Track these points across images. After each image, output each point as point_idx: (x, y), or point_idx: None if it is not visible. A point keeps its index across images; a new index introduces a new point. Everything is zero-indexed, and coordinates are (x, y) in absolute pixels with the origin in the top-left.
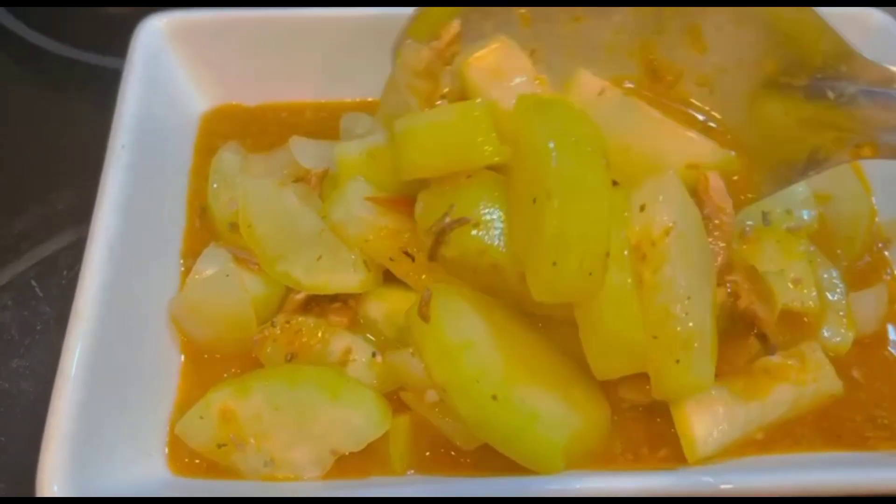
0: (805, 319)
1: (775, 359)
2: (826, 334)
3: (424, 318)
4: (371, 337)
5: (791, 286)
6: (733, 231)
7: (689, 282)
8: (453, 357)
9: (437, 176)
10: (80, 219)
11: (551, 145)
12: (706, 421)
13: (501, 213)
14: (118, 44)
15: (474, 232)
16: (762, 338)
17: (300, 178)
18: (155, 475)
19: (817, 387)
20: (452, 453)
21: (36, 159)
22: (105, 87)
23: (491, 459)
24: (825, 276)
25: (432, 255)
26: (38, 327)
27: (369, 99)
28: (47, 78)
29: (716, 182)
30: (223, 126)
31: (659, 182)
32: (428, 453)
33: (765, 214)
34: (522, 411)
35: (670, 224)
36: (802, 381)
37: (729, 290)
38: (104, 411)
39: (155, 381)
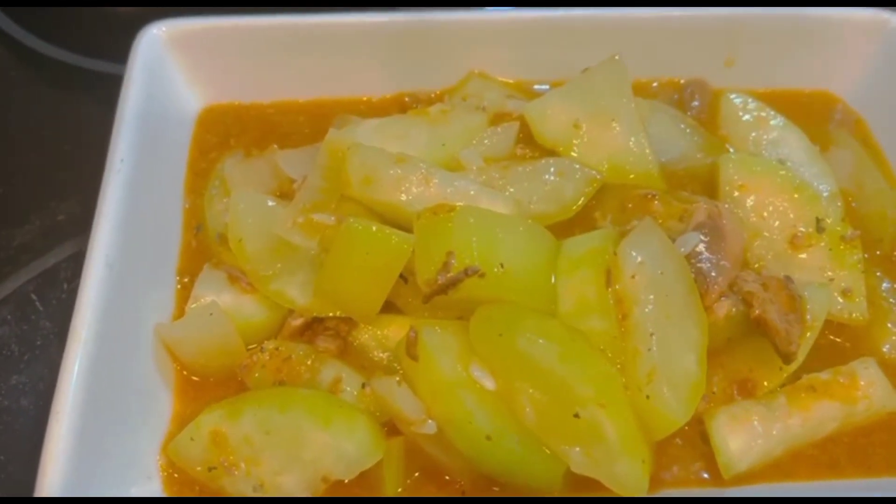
0: (858, 332)
1: (823, 375)
2: (885, 349)
3: (413, 357)
4: (363, 363)
5: (839, 297)
6: (740, 254)
7: (658, 320)
8: (444, 396)
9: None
10: (80, 230)
11: (554, 363)
12: (742, 436)
13: (497, 249)
14: (119, 49)
15: (482, 280)
16: (774, 346)
17: (284, 193)
18: (151, 497)
19: (869, 404)
20: (446, 477)
21: (37, 167)
22: (106, 92)
23: (484, 480)
24: (884, 286)
25: (428, 301)
26: (38, 342)
27: (363, 98)
28: (48, 84)
29: (727, 211)
30: (220, 134)
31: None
32: (417, 474)
33: (819, 221)
34: (517, 451)
35: (639, 262)
36: (852, 398)
37: (733, 304)
38: (102, 433)
39: (153, 401)
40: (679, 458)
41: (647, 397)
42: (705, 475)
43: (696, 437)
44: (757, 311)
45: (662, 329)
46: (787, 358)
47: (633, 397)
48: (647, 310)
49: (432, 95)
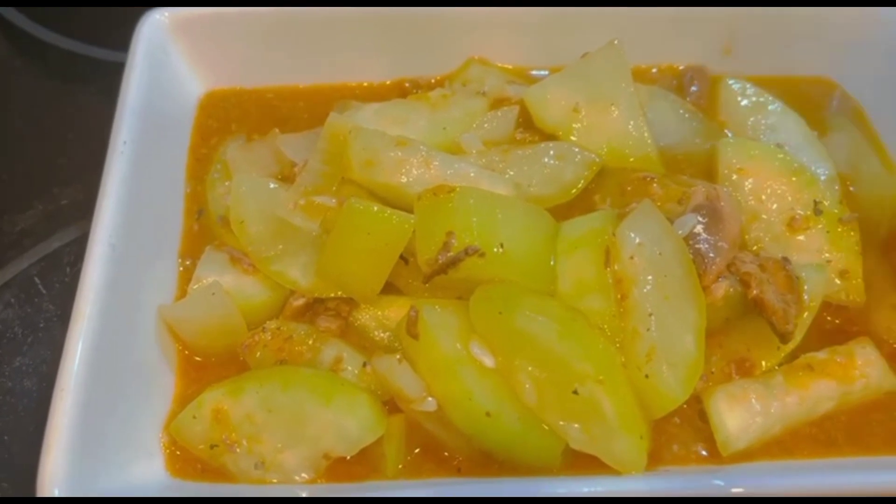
0: (856, 314)
1: (821, 355)
2: (882, 330)
3: (413, 335)
4: (363, 343)
5: (837, 278)
6: (738, 235)
7: (656, 300)
8: (444, 374)
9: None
10: (83, 214)
11: (554, 341)
12: (740, 415)
13: (497, 230)
14: (121, 37)
15: (482, 260)
16: (771, 326)
17: (286, 176)
18: (154, 476)
19: (866, 383)
20: (445, 453)
21: (39, 154)
22: (107, 80)
23: (482, 457)
24: (881, 269)
25: (428, 281)
26: (41, 325)
27: (364, 83)
28: (51, 71)
29: (724, 193)
30: (221, 119)
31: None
32: (418, 450)
33: (816, 203)
34: (516, 428)
35: (637, 243)
36: (849, 377)
37: (731, 285)
38: (105, 412)
39: (155, 381)
40: (678, 436)
41: (646, 376)
42: (704, 453)
43: (695, 415)
44: (754, 292)
45: (661, 309)
46: (783, 337)
47: (632, 376)
48: (645, 290)
49: (432, 81)
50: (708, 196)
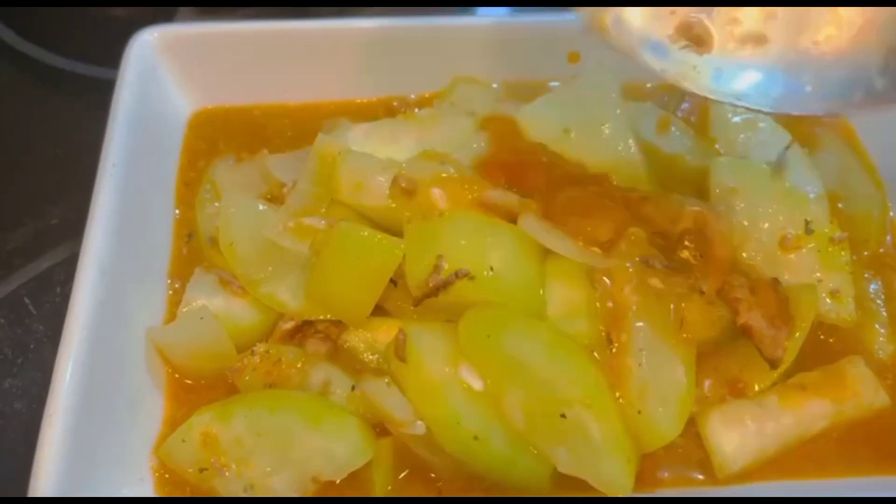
0: (849, 333)
1: (813, 374)
2: (874, 348)
3: (401, 359)
4: (353, 365)
5: (828, 298)
6: (727, 260)
7: (649, 337)
8: (432, 397)
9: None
10: (73, 233)
11: (542, 365)
12: (735, 436)
13: (487, 253)
14: (111, 54)
15: (472, 283)
16: (760, 352)
17: (275, 197)
18: (147, 497)
19: (858, 401)
20: (433, 476)
21: (29, 172)
22: (98, 97)
23: (471, 480)
24: (872, 288)
25: (418, 304)
26: (31, 346)
27: (355, 100)
28: (40, 88)
29: (713, 217)
30: (209, 139)
31: None
32: (405, 473)
33: (807, 223)
34: (505, 452)
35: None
36: (842, 396)
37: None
38: (95, 436)
39: (144, 404)
40: (673, 459)
41: (639, 412)
42: (699, 476)
43: (690, 438)
44: (742, 319)
45: (651, 343)
46: (773, 363)
47: (625, 412)
48: (637, 324)
49: (425, 96)
50: (696, 220)
